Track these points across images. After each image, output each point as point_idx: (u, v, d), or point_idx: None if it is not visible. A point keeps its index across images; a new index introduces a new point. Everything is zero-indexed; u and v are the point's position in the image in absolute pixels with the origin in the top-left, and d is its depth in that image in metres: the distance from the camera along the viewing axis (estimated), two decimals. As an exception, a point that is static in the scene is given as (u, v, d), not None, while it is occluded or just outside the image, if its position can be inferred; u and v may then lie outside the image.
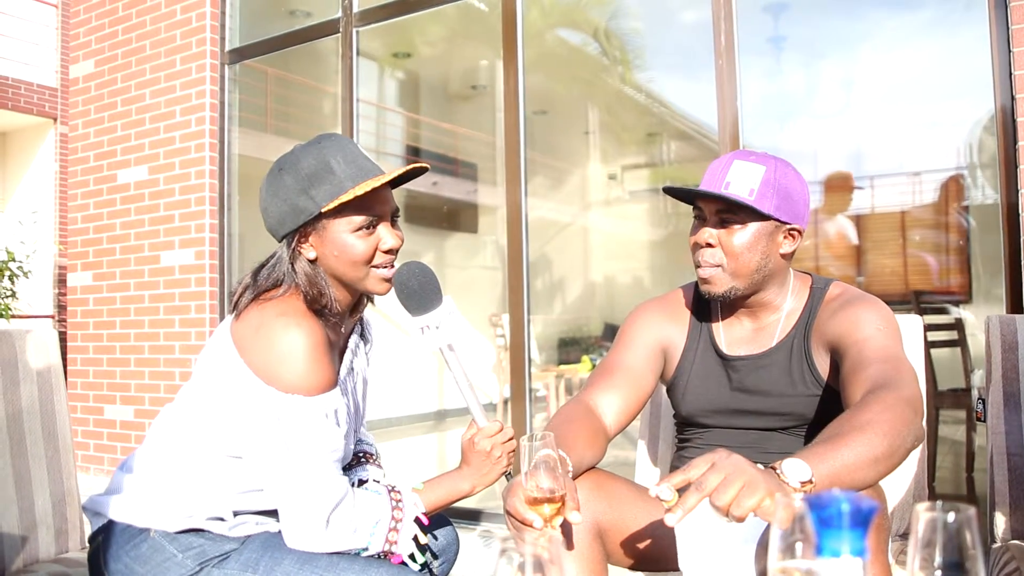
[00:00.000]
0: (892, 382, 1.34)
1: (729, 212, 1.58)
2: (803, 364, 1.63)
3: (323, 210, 1.47)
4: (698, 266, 1.64)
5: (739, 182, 1.56)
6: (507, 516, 1.33)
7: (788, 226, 1.61)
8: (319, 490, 1.42)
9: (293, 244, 1.51)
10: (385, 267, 1.55)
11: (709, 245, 1.61)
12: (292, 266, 1.51)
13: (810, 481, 1.17)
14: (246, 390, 1.44)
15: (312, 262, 1.52)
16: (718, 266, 1.61)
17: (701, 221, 1.64)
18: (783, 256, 1.63)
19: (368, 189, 1.47)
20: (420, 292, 1.53)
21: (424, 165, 1.56)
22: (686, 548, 1.22)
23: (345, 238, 1.50)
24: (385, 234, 1.53)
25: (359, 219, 1.50)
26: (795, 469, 1.17)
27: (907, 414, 1.29)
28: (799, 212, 1.61)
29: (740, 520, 1.12)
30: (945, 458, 4.48)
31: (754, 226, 1.58)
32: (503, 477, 1.64)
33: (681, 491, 1.16)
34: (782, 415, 1.64)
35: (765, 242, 1.59)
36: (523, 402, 3.87)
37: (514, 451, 1.29)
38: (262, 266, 1.55)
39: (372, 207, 1.51)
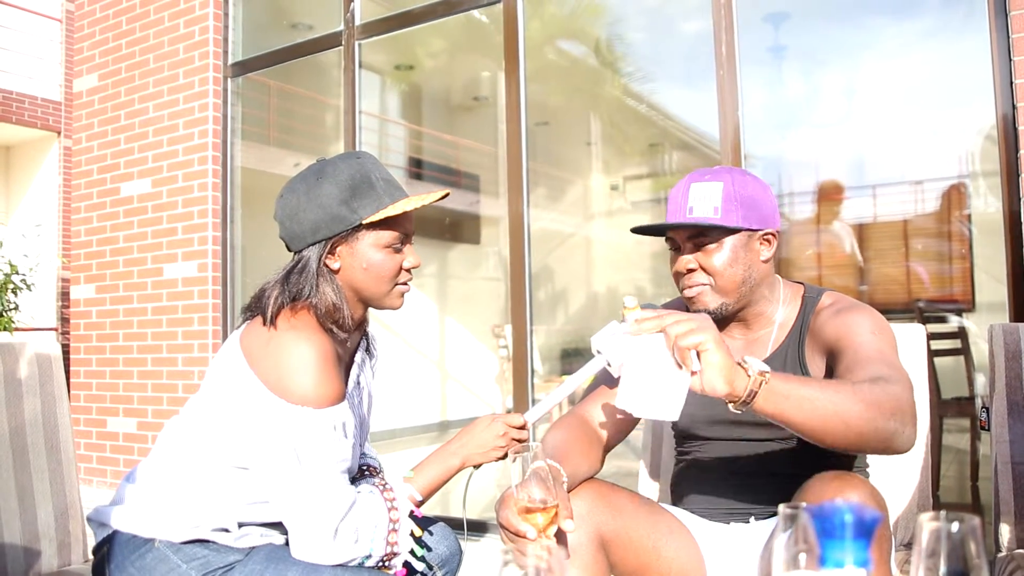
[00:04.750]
0: (889, 378, 1.34)
1: (701, 235, 1.60)
2: (797, 374, 1.63)
3: (364, 222, 1.49)
4: (685, 290, 1.65)
5: (701, 204, 1.59)
6: (500, 528, 1.33)
7: (760, 232, 1.62)
8: (327, 500, 1.43)
9: (322, 253, 1.52)
10: (405, 284, 1.60)
11: (691, 271, 1.63)
12: (317, 276, 1.52)
13: (765, 375, 1.23)
14: (255, 401, 1.45)
15: (334, 273, 1.53)
16: (705, 285, 1.62)
17: (676, 251, 1.66)
18: (764, 262, 1.64)
19: (411, 207, 1.52)
20: None
21: (448, 191, 1.61)
22: (624, 382, 1.27)
23: (375, 253, 1.54)
24: (410, 253, 1.59)
25: (391, 236, 1.54)
26: (756, 362, 1.25)
27: (897, 405, 1.28)
28: (767, 216, 1.62)
29: (681, 354, 1.22)
30: (949, 467, 4.46)
31: (728, 242, 1.60)
32: (474, 469, 1.69)
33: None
34: (777, 425, 1.64)
35: (743, 254, 1.60)
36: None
37: (517, 451, 1.32)
38: (290, 271, 1.55)
39: (404, 225, 1.56)
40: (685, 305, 1.75)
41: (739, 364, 1.23)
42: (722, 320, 1.72)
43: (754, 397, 1.22)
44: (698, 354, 1.22)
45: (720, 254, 1.60)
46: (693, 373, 1.21)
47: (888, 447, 1.29)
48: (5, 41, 9.81)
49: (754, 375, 1.22)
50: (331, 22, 4.67)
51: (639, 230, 1.70)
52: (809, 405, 1.24)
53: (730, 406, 1.24)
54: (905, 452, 1.32)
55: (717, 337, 1.21)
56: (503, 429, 1.66)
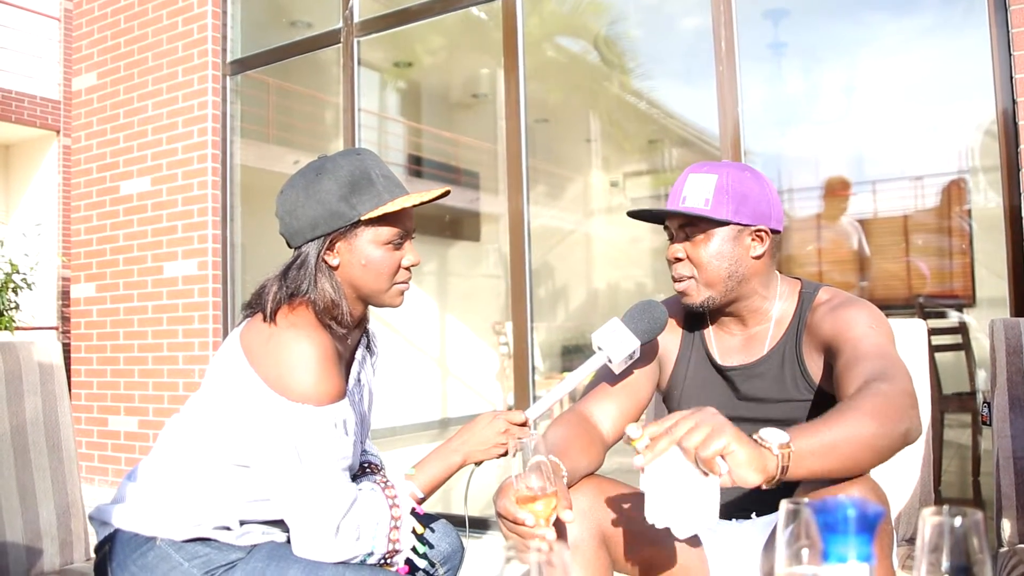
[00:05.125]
0: (887, 375, 1.35)
1: (690, 225, 1.62)
2: (795, 370, 1.63)
3: (363, 218, 1.49)
4: (674, 280, 1.67)
5: (695, 194, 1.60)
6: (499, 519, 1.34)
7: (752, 228, 1.62)
8: (328, 498, 1.43)
9: (321, 249, 1.52)
10: (404, 282, 1.60)
11: (679, 259, 1.65)
12: (315, 272, 1.52)
13: (788, 445, 1.18)
14: (255, 399, 1.45)
15: (332, 270, 1.53)
16: (691, 278, 1.64)
17: (671, 238, 1.68)
18: (755, 259, 1.63)
19: (410, 204, 1.51)
20: (642, 323, 1.60)
21: (448, 189, 1.61)
22: (653, 501, 1.22)
23: (374, 249, 1.53)
24: (410, 250, 1.58)
25: (391, 232, 1.54)
26: (773, 434, 1.20)
27: (902, 403, 1.29)
28: (762, 213, 1.61)
29: (707, 463, 1.14)
30: (951, 462, 4.47)
31: (716, 234, 1.61)
32: (476, 466, 1.68)
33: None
34: (776, 422, 1.63)
35: (731, 247, 1.61)
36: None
37: (517, 447, 1.32)
38: (289, 267, 1.55)
39: (403, 222, 1.56)
40: (681, 305, 1.75)
41: (759, 444, 1.18)
42: (715, 313, 1.73)
43: (786, 471, 1.18)
44: (723, 455, 1.16)
45: (706, 246, 1.61)
46: (720, 475, 1.16)
47: (903, 446, 1.30)
48: (4, 40, 9.80)
49: (778, 451, 1.18)
50: (330, 19, 4.67)
51: (634, 214, 1.72)
52: (834, 452, 1.22)
53: (763, 486, 1.19)
54: (915, 441, 1.33)
55: (736, 433, 1.16)
56: (504, 426, 1.66)
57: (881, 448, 1.26)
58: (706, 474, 1.17)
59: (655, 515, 1.21)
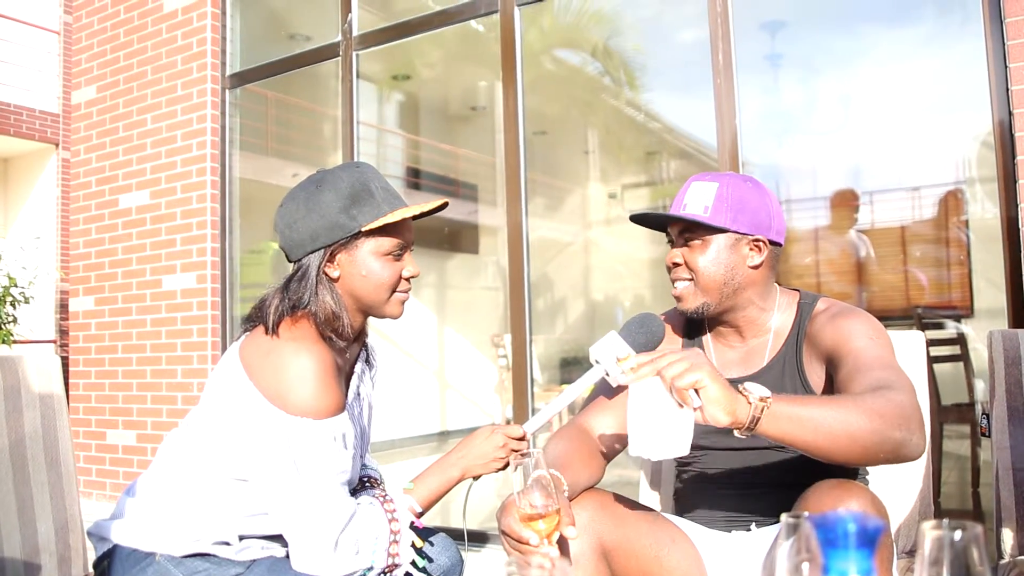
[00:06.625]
0: (892, 385, 1.35)
1: (689, 231, 1.64)
2: (796, 381, 1.63)
3: (363, 229, 1.50)
4: (672, 285, 1.69)
5: (695, 201, 1.63)
6: (502, 536, 1.33)
7: (750, 237, 1.63)
8: (327, 512, 1.43)
9: (322, 261, 1.52)
10: (404, 292, 1.61)
11: (676, 264, 1.67)
12: (316, 284, 1.53)
13: (766, 399, 1.24)
14: (255, 413, 1.45)
15: (333, 281, 1.54)
16: (687, 283, 1.65)
17: (671, 244, 1.70)
18: (752, 268, 1.64)
19: (409, 215, 1.53)
20: (640, 336, 1.59)
21: (446, 201, 1.63)
22: (632, 426, 1.30)
23: (374, 261, 1.55)
24: (409, 262, 1.60)
25: (391, 243, 1.55)
26: (755, 387, 1.26)
27: (904, 413, 1.29)
28: (760, 223, 1.62)
29: (680, 394, 1.23)
30: (950, 473, 4.46)
31: (714, 241, 1.62)
32: (474, 480, 1.68)
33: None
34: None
35: (727, 255, 1.62)
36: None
37: (519, 460, 1.32)
38: (289, 279, 1.56)
39: (403, 234, 1.57)
40: (680, 318, 1.75)
41: (740, 392, 1.25)
42: (713, 324, 1.73)
43: (757, 423, 1.24)
44: (697, 390, 1.24)
45: (703, 252, 1.62)
46: (695, 409, 1.24)
47: (898, 457, 1.29)
48: (3, 53, 9.82)
49: (755, 401, 1.24)
50: (329, 33, 4.68)
51: (636, 218, 1.75)
52: (813, 424, 1.25)
53: (736, 432, 1.26)
54: (915, 459, 1.32)
55: (712, 372, 1.23)
56: (503, 440, 1.66)
57: (866, 445, 1.26)
58: (681, 406, 1.25)
59: (634, 443, 1.30)
